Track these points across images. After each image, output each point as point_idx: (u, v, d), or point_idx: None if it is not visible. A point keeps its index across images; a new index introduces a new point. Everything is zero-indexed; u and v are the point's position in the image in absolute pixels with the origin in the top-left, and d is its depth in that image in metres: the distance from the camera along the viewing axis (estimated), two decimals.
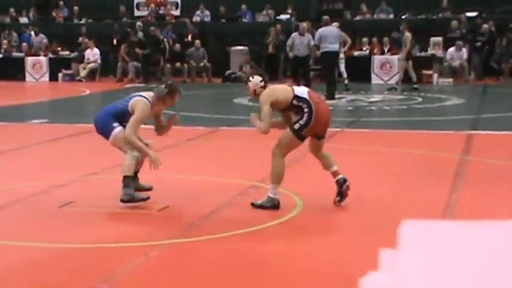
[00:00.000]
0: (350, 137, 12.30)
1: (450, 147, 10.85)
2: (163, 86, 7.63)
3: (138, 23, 26.25)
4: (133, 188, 7.44)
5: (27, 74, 26.46)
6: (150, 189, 7.96)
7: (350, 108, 17.17)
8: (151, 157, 7.40)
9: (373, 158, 10.21)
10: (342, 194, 7.39)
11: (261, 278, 5.39)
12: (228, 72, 24.96)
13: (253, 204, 7.30)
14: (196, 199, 7.61)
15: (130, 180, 7.42)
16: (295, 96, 7.22)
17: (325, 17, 19.14)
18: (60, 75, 25.99)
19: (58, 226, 6.82)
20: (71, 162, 10.12)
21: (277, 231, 6.60)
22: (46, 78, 26.33)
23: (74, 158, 10.47)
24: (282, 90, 7.32)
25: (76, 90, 22.39)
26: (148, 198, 7.47)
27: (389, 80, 23.48)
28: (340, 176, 7.44)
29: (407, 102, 18.46)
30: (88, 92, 22.15)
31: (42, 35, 27.57)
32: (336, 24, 20.12)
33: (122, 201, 7.38)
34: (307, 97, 7.22)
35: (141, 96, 7.61)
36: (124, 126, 7.43)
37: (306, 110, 7.15)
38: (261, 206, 7.23)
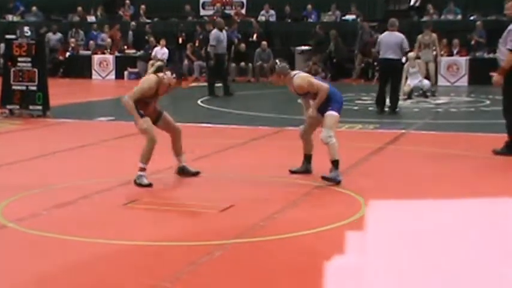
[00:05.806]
0: (415, 139, 12.09)
1: None
2: (284, 64, 8.56)
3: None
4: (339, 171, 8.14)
5: (93, 72, 26.81)
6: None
7: (416, 110, 16.92)
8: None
9: (436, 160, 10.00)
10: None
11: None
12: None
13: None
14: (260, 199, 7.54)
15: (338, 164, 8.15)
16: None
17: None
18: (126, 73, 26.26)
19: (122, 223, 6.85)
20: (136, 160, 10.13)
21: (344, 232, 6.48)
22: (112, 76, 26.64)
23: (139, 156, 10.47)
24: None
25: None
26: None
27: (455, 81, 23.09)
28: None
29: (475, 104, 18.12)
30: None
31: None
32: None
33: (324, 178, 8.19)
34: None
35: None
36: None
37: None
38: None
